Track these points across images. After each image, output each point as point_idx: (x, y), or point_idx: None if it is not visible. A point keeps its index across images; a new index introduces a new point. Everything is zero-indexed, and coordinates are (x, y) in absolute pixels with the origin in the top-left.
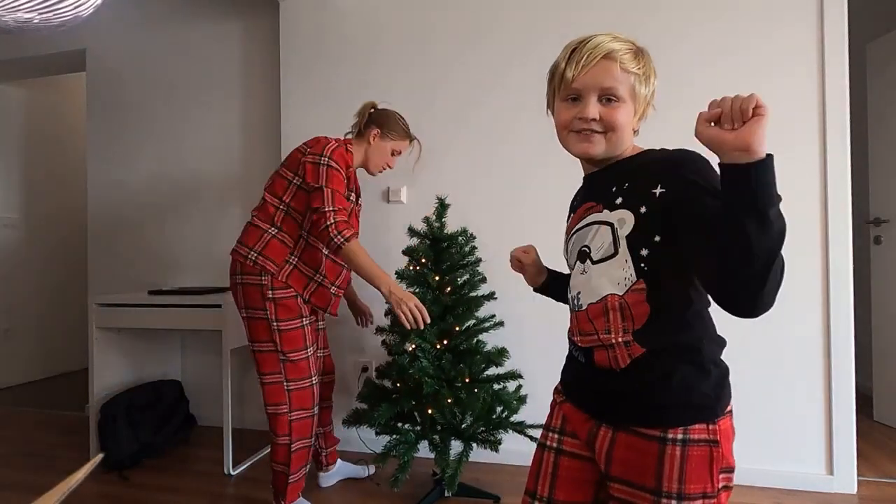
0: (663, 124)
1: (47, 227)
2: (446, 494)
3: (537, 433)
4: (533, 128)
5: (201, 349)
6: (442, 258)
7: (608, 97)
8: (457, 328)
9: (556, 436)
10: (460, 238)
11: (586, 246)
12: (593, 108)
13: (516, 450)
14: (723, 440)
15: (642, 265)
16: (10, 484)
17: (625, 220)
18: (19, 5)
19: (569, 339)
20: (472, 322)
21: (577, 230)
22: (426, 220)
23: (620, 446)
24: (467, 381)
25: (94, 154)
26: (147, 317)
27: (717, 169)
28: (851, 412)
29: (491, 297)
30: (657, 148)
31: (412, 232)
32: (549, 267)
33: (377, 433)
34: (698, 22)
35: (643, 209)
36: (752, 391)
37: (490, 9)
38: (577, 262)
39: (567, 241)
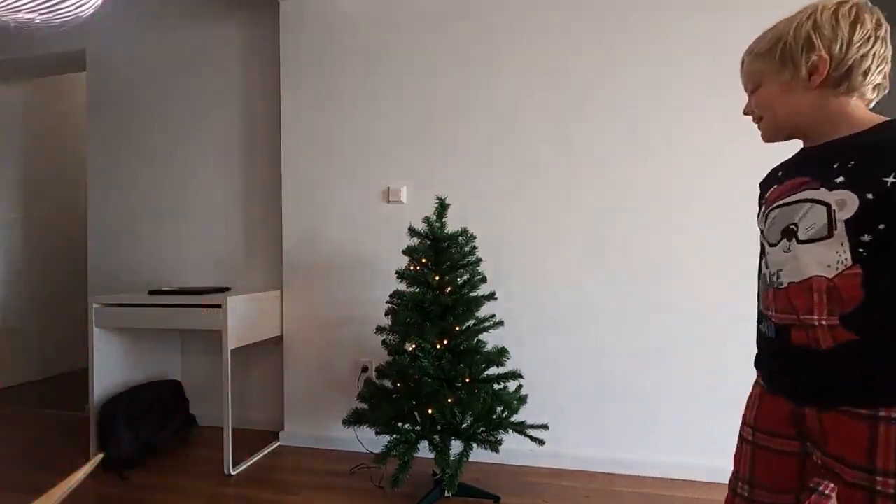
0: (666, 123)
1: (47, 227)
2: (446, 494)
3: (538, 433)
4: (533, 128)
5: (201, 349)
6: (442, 258)
7: (751, 91)
8: (457, 328)
9: (751, 432)
10: (460, 238)
11: (794, 224)
12: (746, 104)
13: (516, 450)
14: None
15: (861, 250)
16: (10, 484)
17: (846, 202)
18: (20, 6)
19: (760, 311)
20: (472, 322)
21: (784, 204)
22: (426, 220)
23: (828, 424)
24: (467, 381)
25: (94, 154)
26: (147, 317)
27: None
28: None
29: (491, 297)
30: (892, 120)
31: (412, 232)
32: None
33: (377, 433)
34: (697, 22)
35: (870, 195)
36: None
37: (490, 9)
38: (783, 239)
39: (767, 214)
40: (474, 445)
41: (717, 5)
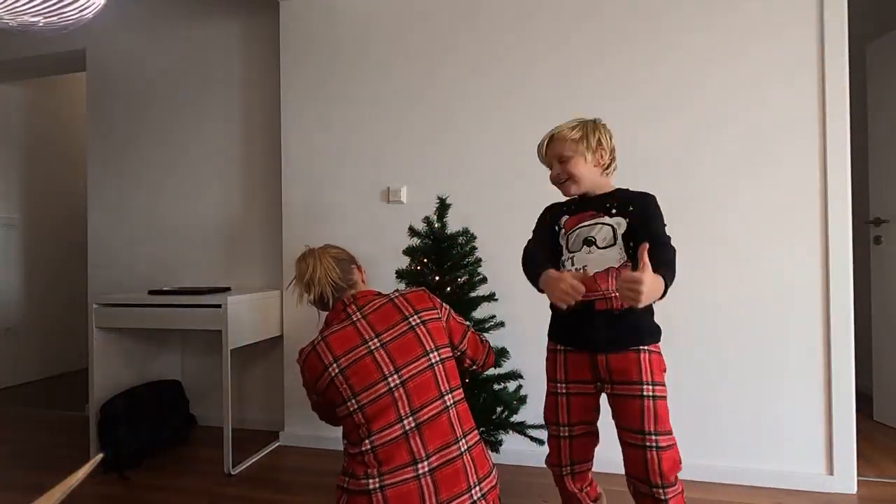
0: (666, 124)
1: (47, 226)
2: None
3: (538, 433)
4: (533, 127)
5: (201, 349)
6: (442, 258)
7: (560, 160)
8: None
9: (563, 385)
10: (461, 238)
11: (591, 238)
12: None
13: (516, 450)
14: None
15: (630, 251)
16: (10, 484)
17: (621, 223)
18: (23, 8)
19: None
20: (472, 322)
21: (581, 227)
22: (426, 219)
23: (614, 361)
24: (467, 381)
25: (94, 154)
26: (147, 317)
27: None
28: (851, 412)
29: (491, 297)
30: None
31: (412, 232)
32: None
33: None
34: (697, 23)
35: (628, 219)
36: (752, 391)
37: (490, 9)
38: (584, 246)
39: (568, 234)
40: None
41: (717, 7)
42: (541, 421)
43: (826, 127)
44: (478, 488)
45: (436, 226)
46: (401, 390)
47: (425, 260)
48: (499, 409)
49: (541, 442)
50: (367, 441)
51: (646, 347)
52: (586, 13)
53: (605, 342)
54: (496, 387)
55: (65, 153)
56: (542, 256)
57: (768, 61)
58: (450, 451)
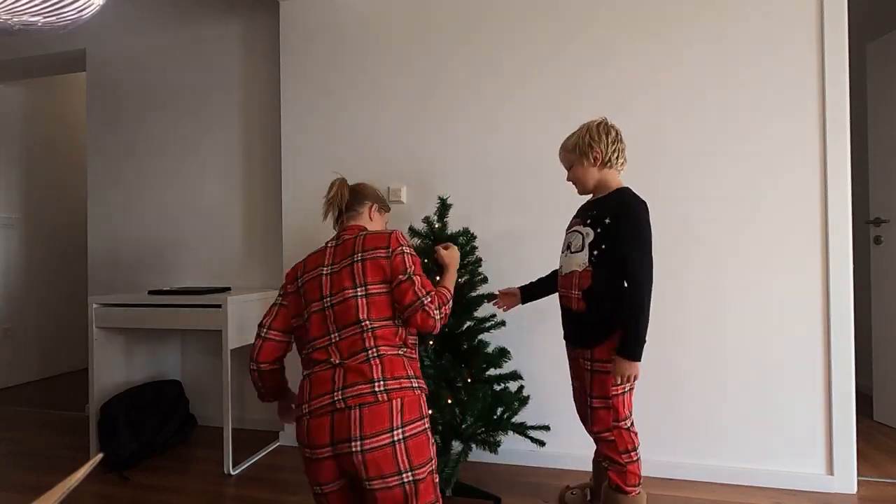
0: (666, 124)
1: (47, 226)
2: (446, 494)
3: (538, 434)
4: (534, 127)
5: (201, 349)
6: None
7: (566, 168)
8: (457, 328)
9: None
10: (461, 238)
11: (570, 242)
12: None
13: (517, 450)
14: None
15: (593, 258)
16: (10, 484)
17: (589, 233)
18: (23, 8)
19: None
20: (472, 322)
21: (570, 231)
22: (426, 219)
23: (575, 355)
24: (468, 381)
25: (94, 154)
26: (147, 317)
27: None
28: (851, 412)
29: (492, 297)
30: (624, 188)
31: (413, 232)
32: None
33: None
34: (697, 23)
35: (599, 229)
36: (752, 391)
37: (491, 9)
38: (566, 250)
39: (567, 235)
40: (474, 446)
41: (717, 7)
42: (540, 421)
43: (826, 127)
44: (381, 383)
45: (436, 226)
46: (330, 311)
47: (426, 260)
48: (499, 410)
49: (541, 443)
50: (308, 345)
51: (596, 346)
52: (588, 19)
53: (571, 338)
54: (496, 387)
55: (65, 153)
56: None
57: (768, 61)
58: (359, 357)
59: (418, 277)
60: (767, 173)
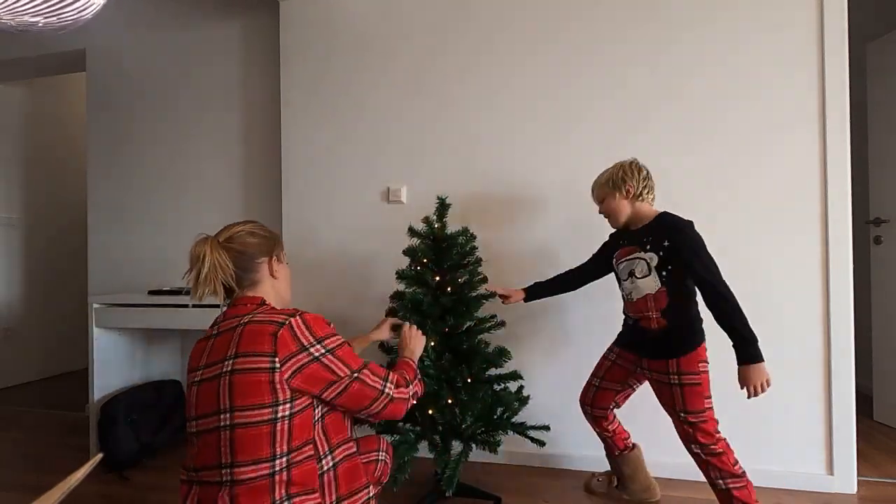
0: (666, 123)
1: (47, 226)
2: (446, 494)
3: (539, 434)
4: (534, 127)
5: None
6: (442, 258)
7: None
8: (457, 329)
9: (612, 356)
10: (461, 238)
11: (632, 269)
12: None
13: (517, 451)
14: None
15: (663, 278)
16: (10, 484)
17: (653, 257)
18: (23, 9)
19: (625, 314)
20: (472, 322)
21: (625, 260)
22: (426, 220)
23: (649, 365)
24: (468, 381)
25: (94, 154)
26: (147, 317)
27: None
28: (851, 412)
29: (492, 296)
30: (667, 212)
31: (412, 232)
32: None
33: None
34: (698, 23)
35: (661, 252)
36: None
37: (491, 9)
38: (629, 277)
39: (618, 264)
40: (474, 446)
41: (717, 6)
42: (541, 421)
43: (826, 127)
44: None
45: (436, 226)
46: (196, 441)
47: (425, 260)
48: (499, 410)
49: (541, 443)
50: (191, 473)
51: (676, 361)
52: (582, 9)
53: (646, 352)
54: (496, 387)
55: (65, 153)
56: (562, 275)
57: (768, 61)
58: (212, 475)
59: (364, 369)
60: (767, 173)
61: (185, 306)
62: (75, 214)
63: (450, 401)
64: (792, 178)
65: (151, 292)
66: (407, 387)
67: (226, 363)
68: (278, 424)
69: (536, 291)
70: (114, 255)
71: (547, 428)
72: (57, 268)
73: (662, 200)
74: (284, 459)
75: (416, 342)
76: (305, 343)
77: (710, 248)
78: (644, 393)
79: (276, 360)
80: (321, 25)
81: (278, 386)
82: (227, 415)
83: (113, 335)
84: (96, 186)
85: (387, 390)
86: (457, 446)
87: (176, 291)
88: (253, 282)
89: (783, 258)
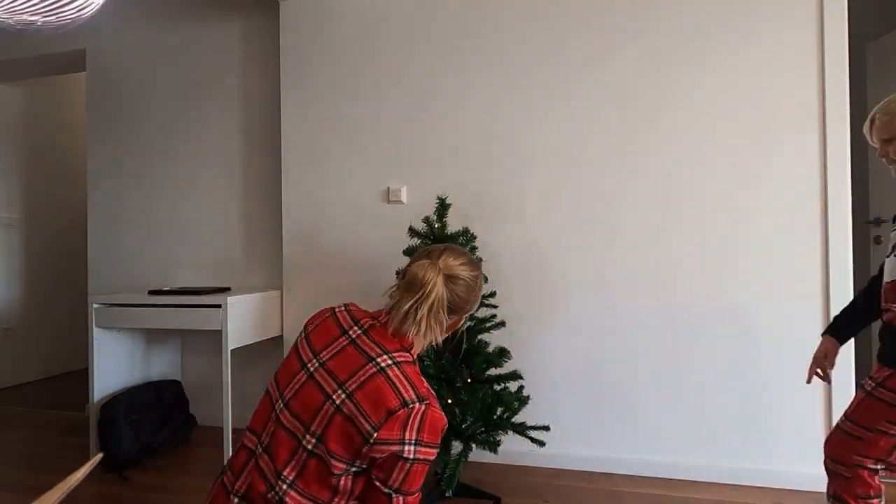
0: (667, 125)
1: (47, 226)
2: (446, 494)
3: (539, 434)
4: (534, 127)
5: (201, 349)
6: None
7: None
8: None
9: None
10: (461, 238)
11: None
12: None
13: (517, 450)
14: None
15: None
16: (10, 484)
17: None
18: (22, 8)
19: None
20: (472, 322)
21: None
22: (426, 220)
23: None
24: (468, 381)
25: (94, 154)
26: (147, 317)
27: None
28: None
29: (491, 296)
30: None
31: (412, 232)
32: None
33: None
34: (697, 22)
35: None
36: (752, 391)
37: (492, 9)
38: (893, 253)
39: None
40: (474, 446)
41: (717, 6)
42: (541, 421)
43: (826, 127)
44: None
45: (436, 226)
46: (276, 429)
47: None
48: (499, 410)
49: (541, 443)
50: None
51: None
52: (587, 16)
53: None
54: (496, 387)
55: (65, 153)
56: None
57: (768, 61)
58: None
59: (409, 497)
60: (767, 173)
61: (185, 306)
62: (75, 214)
63: (450, 401)
64: (792, 178)
65: (151, 292)
66: None
67: (340, 393)
68: (343, 479)
69: (846, 333)
70: (114, 255)
71: (547, 428)
72: (57, 268)
73: (663, 200)
74: None
75: None
76: (407, 438)
77: (710, 249)
78: (644, 393)
79: (375, 435)
80: (321, 25)
81: (362, 453)
82: (313, 440)
83: (113, 335)
84: (96, 186)
85: None
86: (457, 446)
87: (176, 291)
88: (430, 323)
89: (783, 258)
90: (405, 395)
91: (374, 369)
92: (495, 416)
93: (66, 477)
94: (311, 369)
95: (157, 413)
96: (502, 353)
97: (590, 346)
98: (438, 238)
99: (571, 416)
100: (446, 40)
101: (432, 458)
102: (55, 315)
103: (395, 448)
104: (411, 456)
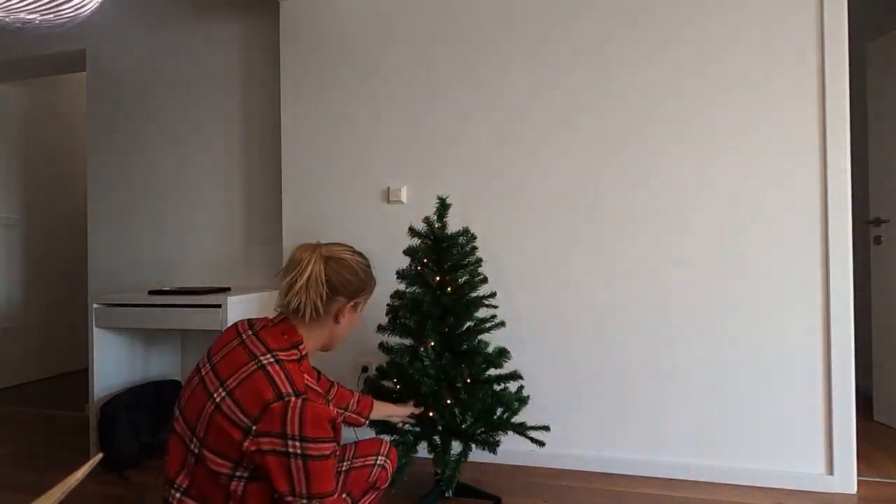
0: (665, 123)
1: (47, 226)
2: (446, 494)
3: (538, 434)
4: (534, 128)
5: (201, 349)
6: (443, 258)
7: None
8: (457, 329)
9: None
10: (461, 238)
11: None
12: None
13: (517, 450)
14: None
15: None
16: (10, 484)
17: None
18: (21, 6)
19: None
20: (472, 322)
21: None
22: (426, 220)
23: None
24: (468, 381)
25: (94, 154)
26: (147, 317)
27: None
28: (851, 412)
29: (492, 296)
30: None
31: (413, 232)
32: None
33: (377, 433)
34: (697, 22)
35: None
36: (752, 391)
37: (492, 10)
38: None
39: None
40: (473, 446)
41: (717, 6)
42: (541, 421)
43: (826, 127)
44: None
45: (436, 226)
46: (172, 434)
47: (426, 260)
48: (499, 410)
49: (541, 443)
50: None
51: None
52: (579, 15)
53: None
54: (496, 387)
55: (65, 153)
56: None
57: (768, 61)
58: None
59: (327, 498)
60: (767, 173)
61: (185, 306)
62: (75, 214)
63: (449, 401)
64: (792, 178)
65: (151, 292)
66: None
67: (221, 391)
68: (233, 483)
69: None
70: (114, 255)
71: (547, 428)
72: (57, 268)
73: (662, 200)
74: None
75: (400, 412)
76: (289, 433)
77: (709, 249)
78: (644, 392)
79: (254, 427)
80: (321, 25)
81: (244, 450)
82: (198, 442)
83: (113, 335)
84: (96, 186)
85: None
86: (456, 446)
87: (176, 291)
88: (311, 315)
89: (783, 258)
90: (281, 389)
91: (256, 366)
92: (495, 417)
93: (66, 477)
94: (203, 373)
95: (157, 413)
96: (502, 353)
97: (590, 345)
98: (438, 238)
99: (571, 416)
100: (447, 40)
101: (328, 452)
102: (55, 315)
103: (278, 442)
104: (298, 451)
